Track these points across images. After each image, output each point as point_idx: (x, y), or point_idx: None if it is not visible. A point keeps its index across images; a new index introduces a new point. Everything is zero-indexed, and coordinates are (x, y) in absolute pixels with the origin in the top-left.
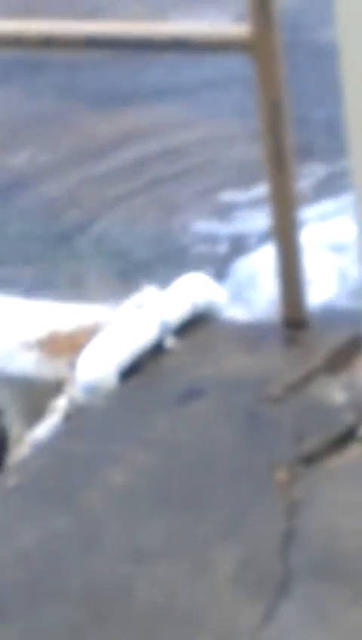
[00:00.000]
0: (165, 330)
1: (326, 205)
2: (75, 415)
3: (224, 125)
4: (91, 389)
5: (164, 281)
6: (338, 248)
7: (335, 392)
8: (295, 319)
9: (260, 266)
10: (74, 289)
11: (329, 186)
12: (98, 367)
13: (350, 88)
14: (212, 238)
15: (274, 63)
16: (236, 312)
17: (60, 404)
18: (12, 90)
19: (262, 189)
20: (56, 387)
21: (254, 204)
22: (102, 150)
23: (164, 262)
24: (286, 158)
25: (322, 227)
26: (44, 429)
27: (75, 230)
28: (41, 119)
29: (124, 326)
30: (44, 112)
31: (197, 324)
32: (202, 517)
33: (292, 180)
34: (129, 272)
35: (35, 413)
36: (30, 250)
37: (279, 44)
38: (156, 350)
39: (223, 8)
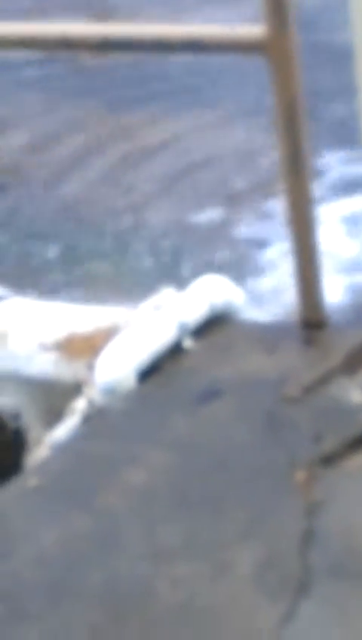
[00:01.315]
0: (183, 331)
1: None
2: (93, 416)
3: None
4: (110, 391)
5: None
6: None
7: (354, 393)
8: (313, 320)
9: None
10: None
11: None
12: (116, 368)
13: None
14: None
15: (289, 63)
16: (254, 313)
17: (79, 406)
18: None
19: None
20: (74, 389)
21: None
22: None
23: None
24: (303, 158)
25: None
26: (63, 430)
27: None
28: None
29: (142, 327)
30: None
31: (215, 325)
32: (221, 517)
33: (308, 180)
34: None
35: (53, 414)
36: None
37: (295, 45)
38: (174, 351)
39: (238, 9)
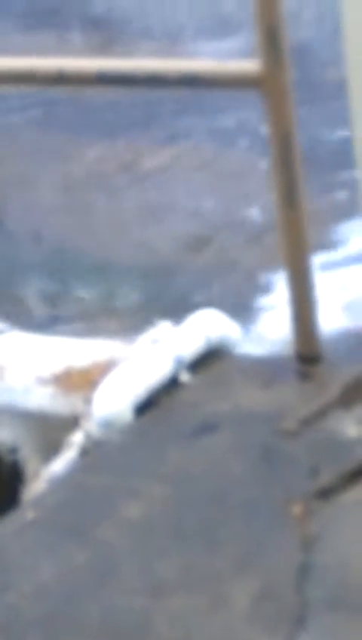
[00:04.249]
0: (180, 365)
1: None
2: (91, 450)
3: None
4: (107, 424)
5: None
6: None
7: (350, 426)
8: (309, 354)
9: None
10: None
11: None
12: (114, 402)
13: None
14: None
15: (284, 99)
16: (250, 347)
17: (76, 439)
18: None
19: None
20: (72, 422)
21: None
22: None
23: None
24: (298, 193)
25: None
26: (60, 463)
27: None
28: None
29: (139, 361)
30: None
31: (211, 359)
32: (218, 550)
33: (303, 215)
34: None
35: (51, 448)
36: None
37: (289, 81)
38: (171, 385)
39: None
